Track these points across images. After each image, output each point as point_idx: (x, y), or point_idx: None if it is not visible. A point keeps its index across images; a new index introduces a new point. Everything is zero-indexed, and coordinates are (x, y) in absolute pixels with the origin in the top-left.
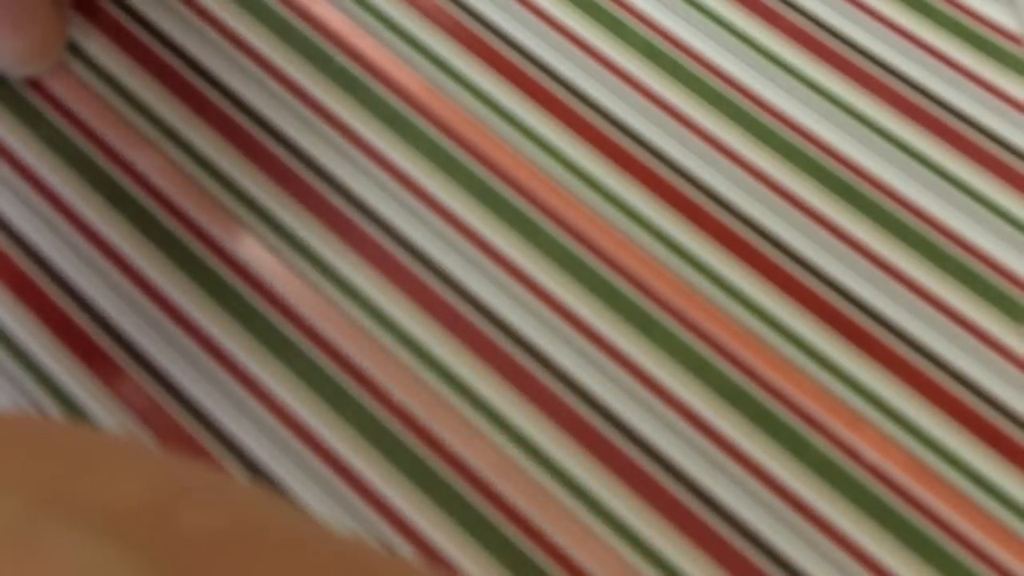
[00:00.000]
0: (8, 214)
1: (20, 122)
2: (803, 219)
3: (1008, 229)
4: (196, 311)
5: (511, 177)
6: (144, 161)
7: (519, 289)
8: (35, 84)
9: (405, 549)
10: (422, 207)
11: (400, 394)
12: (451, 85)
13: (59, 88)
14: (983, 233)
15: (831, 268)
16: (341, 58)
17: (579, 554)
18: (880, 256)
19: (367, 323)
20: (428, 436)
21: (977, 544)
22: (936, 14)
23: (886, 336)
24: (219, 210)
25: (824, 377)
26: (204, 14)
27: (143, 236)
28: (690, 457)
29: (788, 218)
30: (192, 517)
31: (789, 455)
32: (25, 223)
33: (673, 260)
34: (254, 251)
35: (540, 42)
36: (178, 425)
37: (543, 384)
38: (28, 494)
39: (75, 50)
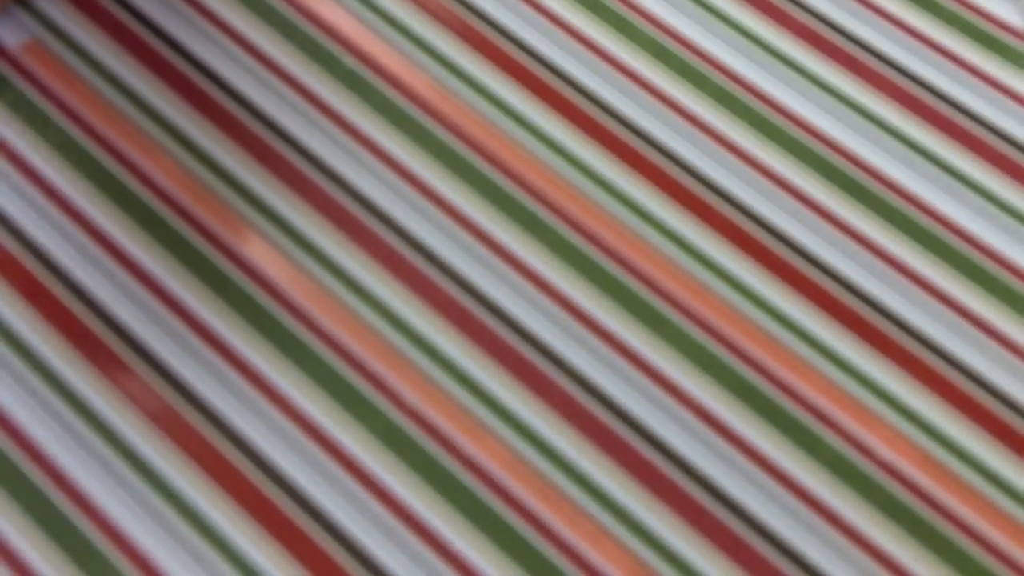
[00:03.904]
0: (16, 218)
1: (27, 127)
2: (812, 216)
3: (1015, 224)
4: (206, 312)
5: (520, 177)
6: (151, 163)
7: (531, 289)
8: (42, 88)
9: (419, 548)
10: (432, 207)
11: (413, 394)
12: (459, 85)
13: (66, 92)
14: (991, 229)
15: (841, 265)
16: (348, 59)
17: (594, 553)
18: (889, 252)
19: (378, 324)
20: (441, 436)
21: (989, 539)
22: (941, 11)
23: (897, 333)
24: (227, 211)
25: (836, 374)
26: (210, 16)
27: (151, 237)
28: (703, 454)
29: (797, 215)
30: None
31: (802, 452)
32: (33, 226)
33: (684, 259)
34: (263, 252)
35: (548, 42)
36: (189, 426)
37: (556, 383)
38: None
39: (79, 52)
